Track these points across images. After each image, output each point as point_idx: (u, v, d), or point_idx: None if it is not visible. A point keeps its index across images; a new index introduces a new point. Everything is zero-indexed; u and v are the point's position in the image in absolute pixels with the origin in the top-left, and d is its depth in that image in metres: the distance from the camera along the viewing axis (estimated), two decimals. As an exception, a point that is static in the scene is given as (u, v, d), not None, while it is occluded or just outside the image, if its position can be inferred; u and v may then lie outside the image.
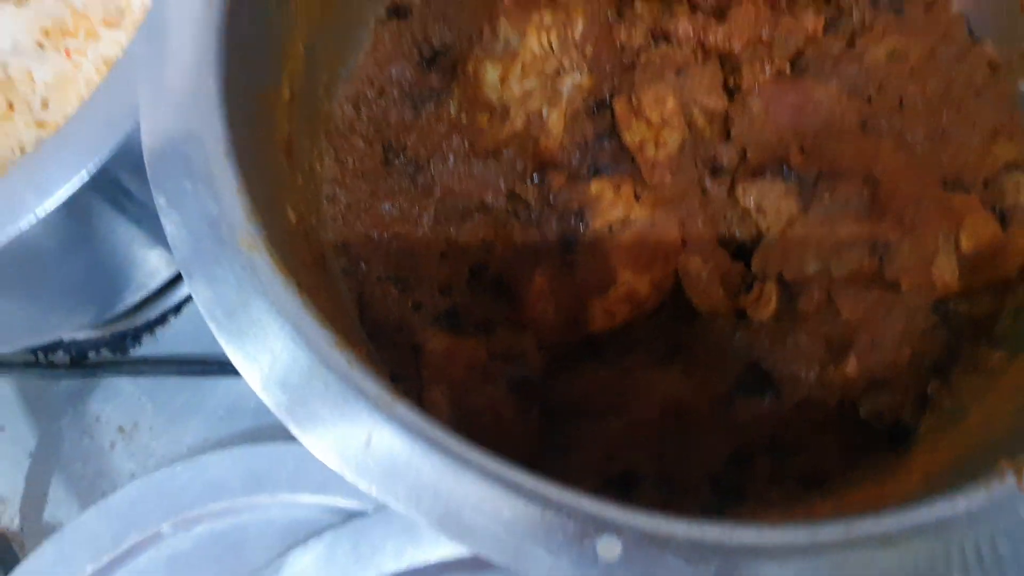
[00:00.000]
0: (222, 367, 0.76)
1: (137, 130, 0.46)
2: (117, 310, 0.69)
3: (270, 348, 0.38)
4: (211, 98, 0.44)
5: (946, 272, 0.53)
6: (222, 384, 0.77)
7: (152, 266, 0.65)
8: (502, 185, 0.64)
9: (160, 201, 0.41)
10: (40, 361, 0.80)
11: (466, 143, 0.66)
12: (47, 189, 0.49)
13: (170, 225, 0.41)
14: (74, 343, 0.80)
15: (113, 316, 0.71)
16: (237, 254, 0.40)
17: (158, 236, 0.64)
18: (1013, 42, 0.64)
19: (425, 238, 0.63)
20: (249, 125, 0.48)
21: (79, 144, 0.51)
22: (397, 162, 0.66)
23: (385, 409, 0.37)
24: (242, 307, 0.39)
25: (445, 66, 0.68)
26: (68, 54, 0.59)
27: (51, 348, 0.80)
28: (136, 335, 0.80)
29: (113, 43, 0.59)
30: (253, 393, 0.39)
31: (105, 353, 0.80)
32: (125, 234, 0.60)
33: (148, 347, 0.80)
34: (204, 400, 0.77)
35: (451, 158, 0.66)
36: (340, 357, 0.38)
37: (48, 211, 0.50)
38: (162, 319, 0.81)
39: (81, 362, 0.79)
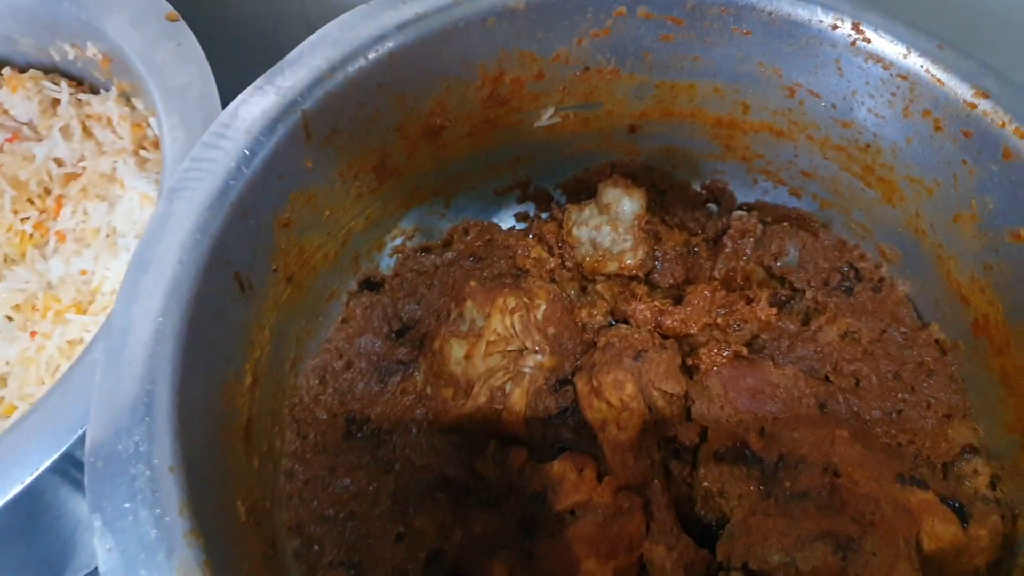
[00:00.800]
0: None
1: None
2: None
3: None
4: (163, 408, 0.44)
5: (908, 576, 0.51)
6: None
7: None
8: (463, 461, 0.64)
9: (96, 523, 0.40)
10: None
11: (430, 416, 0.66)
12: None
13: (103, 551, 0.39)
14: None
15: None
16: (169, 587, 0.38)
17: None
18: (956, 327, 0.67)
19: (382, 517, 0.62)
20: (204, 423, 0.49)
21: (39, 437, 0.51)
22: (359, 435, 0.66)
23: None
24: (168, 648, 0.37)
25: (414, 339, 0.70)
26: (33, 336, 0.61)
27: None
28: (77, 602, 0.75)
29: (79, 327, 0.61)
30: None
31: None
32: (72, 517, 0.58)
33: (89, 616, 0.75)
34: None
35: (414, 431, 0.66)
36: None
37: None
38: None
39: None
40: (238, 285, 0.54)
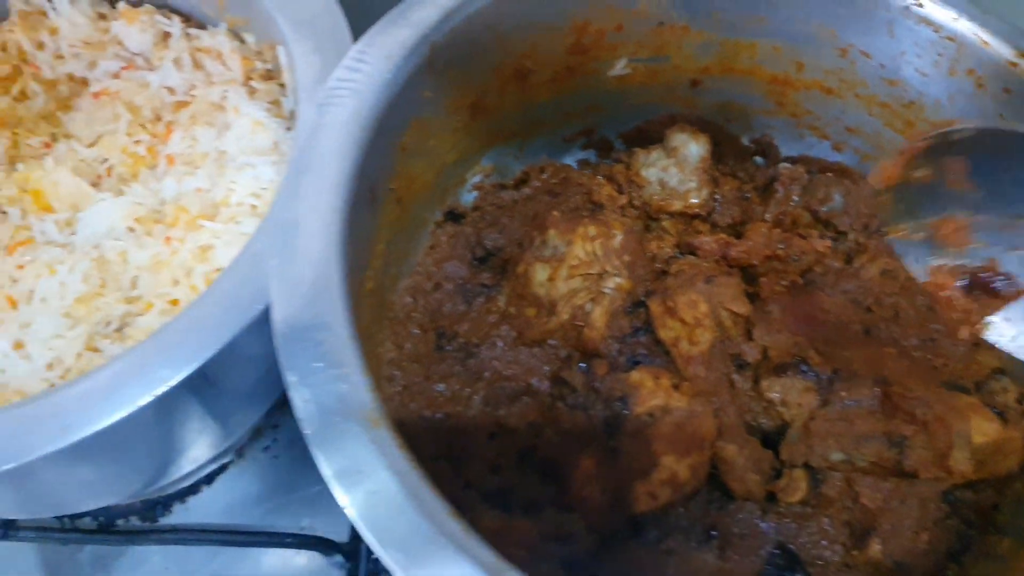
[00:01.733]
0: (252, 538, 0.77)
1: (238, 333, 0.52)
2: (165, 482, 0.71)
3: (393, 515, 0.42)
4: (335, 288, 0.50)
5: (962, 463, 0.59)
6: (251, 555, 0.78)
7: (209, 440, 0.68)
8: (547, 371, 0.71)
9: (291, 379, 0.46)
10: (66, 526, 0.80)
11: (514, 332, 0.72)
12: (147, 386, 0.54)
13: (300, 401, 0.45)
14: (103, 509, 0.80)
15: (156, 487, 0.73)
16: (365, 429, 0.45)
17: (221, 415, 0.68)
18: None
19: (475, 419, 0.68)
20: (353, 313, 0.55)
21: (186, 344, 0.56)
22: (449, 348, 0.73)
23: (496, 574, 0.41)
24: (368, 478, 0.43)
25: (496, 265, 0.76)
26: (168, 240, 0.66)
27: (79, 514, 0.80)
28: (167, 503, 0.81)
29: (209, 234, 0.66)
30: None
31: (134, 521, 0.80)
32: (195, 413, 0.64)
33: (178, 515, 0.81)
34: (231, 570, 0.77)
35: (500, 345, 0.72)
36: (455, 526, 0.42)
37: (143, 405, 0.54)
38: (194, 488, 0.82)
39: (108, 528, 0.80)
40: (371, 196, 0.60)
